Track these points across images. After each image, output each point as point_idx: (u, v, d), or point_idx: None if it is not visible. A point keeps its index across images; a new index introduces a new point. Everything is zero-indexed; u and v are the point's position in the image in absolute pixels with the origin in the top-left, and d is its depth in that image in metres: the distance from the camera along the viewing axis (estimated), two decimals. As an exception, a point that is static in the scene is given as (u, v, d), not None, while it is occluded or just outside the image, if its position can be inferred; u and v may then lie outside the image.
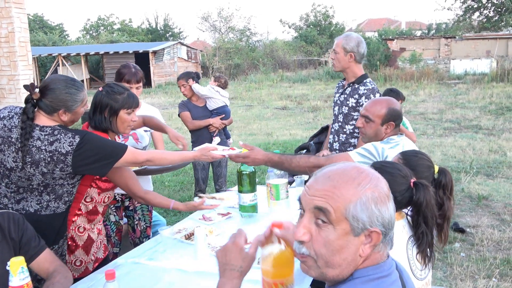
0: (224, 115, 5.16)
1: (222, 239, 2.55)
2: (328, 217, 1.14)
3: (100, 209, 2.81)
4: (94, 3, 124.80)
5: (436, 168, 2.13)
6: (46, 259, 2.02)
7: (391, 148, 2.51)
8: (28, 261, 2.12)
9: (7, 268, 2.06)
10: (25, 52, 8.23)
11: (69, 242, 2.55)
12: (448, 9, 38.40)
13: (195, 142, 5.11)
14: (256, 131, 11.55)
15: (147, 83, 28.10)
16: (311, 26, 36.90)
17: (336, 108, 3.65)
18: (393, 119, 2.65)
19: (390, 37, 28.42)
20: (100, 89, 2.67)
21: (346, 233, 1.14)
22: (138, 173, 3.08)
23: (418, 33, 35.54)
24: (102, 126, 2.60)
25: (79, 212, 2.67)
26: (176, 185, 6.70)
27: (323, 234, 1.15)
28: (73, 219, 2.67)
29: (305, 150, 5.38)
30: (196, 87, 4.99)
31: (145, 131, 3.42)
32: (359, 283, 1.16)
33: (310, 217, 1.18)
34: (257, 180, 3.08)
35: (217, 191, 5.29)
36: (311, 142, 5.25)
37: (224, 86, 5.31)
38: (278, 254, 1.37)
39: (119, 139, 3.19)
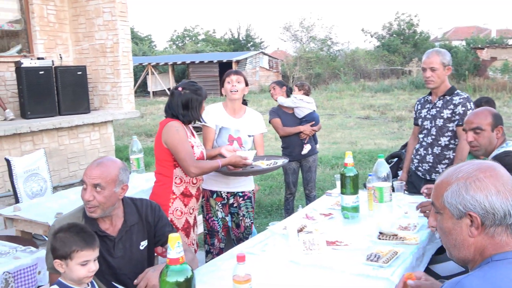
0: (313, 122, 5.28)
1: (324, 238, 2.68)
2: (436, 208, 1.45)
3: (192, 191, 3.16)
4: (180, 15, 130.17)
5: None
6: None
7: None
8: (164, 243, 2.42)
9: (141, 247, 2.37)
10: (127, 61, 8.88)
11: None
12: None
13: (286, 148, 5.30)
14: (340, 140, 11.57)
15: (230, 91, 28.87)
16: (394, 35, 36.11)
17: (427, 122, 3.68)
18: (500, 122, 2.77)
19: (480, 45, 27.13)
20: (180, 89, 3.13)
21: (449, 217, 1.40)
22: (230, 174, 3.34)
23: (511, 41, 33.62)
24: (192, 118, 3.15)
25: (174, 196, 3.07)
26: (266, 189, 6.93)
27: (438, 220, 1.46)
28: (170, 204, 3.03)
29: (396, 159, 5.39)
30: (280, 100, 5.20)
31: (249, 136, 3.64)
32: (506, 263, 1.31)
33: (433, 210, 1.51)
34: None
35: (307, 195, 5.44)
36: (403, 150, 5.26)
37: (308, 93, 5.46)
38: None
39: (230, 144, 3.45)
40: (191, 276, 1.59)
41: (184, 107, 3.10)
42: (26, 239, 3.52)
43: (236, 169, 3.27)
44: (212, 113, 3.56)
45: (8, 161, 4.28)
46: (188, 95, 3.11)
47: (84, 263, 1.94)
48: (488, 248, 1.35)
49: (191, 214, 3.20)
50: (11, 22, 8.52)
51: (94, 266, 1.97)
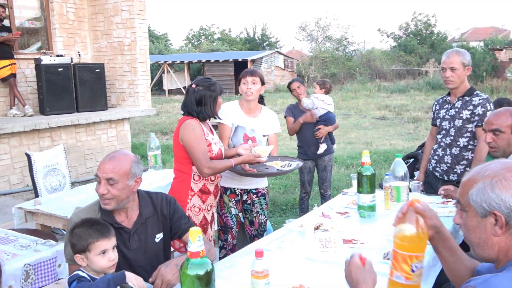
0: (328, 121, 5.25)
1: (340, 236, 2.69)
2: (462, 205, 1.46)
3: (211, 188, 3.19)
4: (196, 14, 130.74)
5: None
6: None
7: None
8: (180, 235, 2.46)
9: (156, 240, 2.41)
10: (144, 59, 8.96)
11: None
12: None
13: (302, 147, 5.29)
14: (355, 140, 11.54)
15: (245, 90, 28.92)
16: (411, 35, 35.88)
17: (446, 123, 3.66)
18: None
19: (498, 47, 26.80)
20: (194, 86, 3.14)
21: (474, 215, 1.40)
22: (244, 174, 3.36)
23: (530, 42, 33.14)
24: (206, 115, 3.12)
25: (192, 193, 3.11)
26: (280, 188, 6.94)
27: (463, 218, 1.46)
28: (188, 200, 3.06)
29: (412, 159, 5.37)
30: (304, 102, 5.12)
31: (264, 135, 3.65)
32: None
33: (459, 207, 1.50)
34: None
35: (322, 195, 5.43)
36: (419, 151, 5.24)
37: (329, 91, 5.41)
38: (412, 234, 1.60)
39: (245, 143, 3.47)
40: (211, 269, 1.61)
41: (198, 104, 3.12)
42: (46, 233, 3.58)
43: (251, 170, 3.29)
44: (229, 111, 3.59)
45: (28, 156, 4.36)
46: (201, 92, 3.12)
47: (103, 253, 1.99)
48: None
49: (208, 210, 3.24)
50: (31, 20, 8.66)
51: (114, 255, 2.03)
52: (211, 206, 3.26)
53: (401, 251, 1.58)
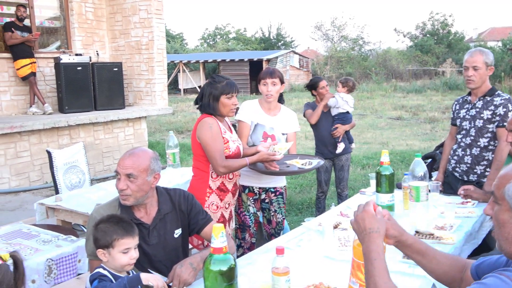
0: (345, 120, 5.23)
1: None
2: (495, 198, 1.43)
3: (229, 186, 3.22)
4: (212, 14, 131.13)
5: None
6: None
7: None
8: (198, 230, 2.49)
9: (175, 235, 2.43)
10: (161, 58, 9.03)
11: None
12: None
13: (319, 146, 5.29)
14: (371, 140, 11.49)
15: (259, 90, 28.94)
16: (427, 35, 35.59)
17: (466, 123, 3.64)
18: None
19: (517, 46, 26.47)
20: (207, 81, 3.19)
21: (507, 210, 1.39)
22: (265, 173, 3.37)
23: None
24: (207, 110, 3.12)
25: (210, 190, 3.14)
26: (296, 187, 6.95)
27: (495, 210, 1.44)
28: (206, 198, 3.09)
29: (430, 160, 5.33)
30: (331, 100, 5.11)
31: (283, 134, 3.67)
32: None
33: (492, 199, 1.47)
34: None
35: (339, 194, 5.42)
36: (437, 151, 5.20)
37: (352, 89, 5.31)
38: None
39: (264, 141, 3.48)
40: (234, 265, 1.63)
41: (200, 98, 3.18)
42: (67, 229, 3.64)
43: (275, 167, 3.28)
44: (248, 109, 3.61)
45: (49, 153, 4.43)
46: (204, 87, 3.18)
47: (126, 251, 2.02)
48: None
49: (226, 208, 3.26)
50: (51, 19, 8.79)
51: (135, 254, 2.05)
52: (229, 204, 3.29)
53: (356, 259, 1.62)
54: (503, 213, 1.40)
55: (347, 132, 5.33)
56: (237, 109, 3.47)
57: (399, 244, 1.72)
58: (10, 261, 1.59)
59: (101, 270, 2.05)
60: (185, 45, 48.02)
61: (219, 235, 1.61)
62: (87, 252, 2.31)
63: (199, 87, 30.27)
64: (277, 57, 30.39)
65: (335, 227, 2.72)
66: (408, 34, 37.54)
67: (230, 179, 3.24)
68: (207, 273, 1.61)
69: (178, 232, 2.46)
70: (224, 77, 3.21)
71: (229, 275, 1.61)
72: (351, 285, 1.65)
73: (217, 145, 3.05)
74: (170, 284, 2.15)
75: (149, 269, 2.30)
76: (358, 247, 1.61)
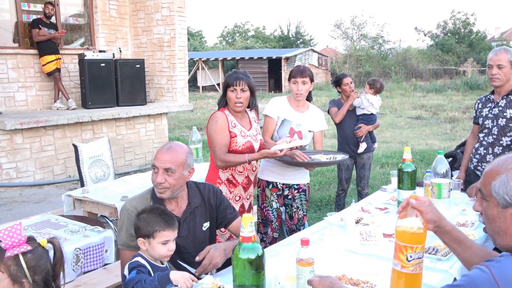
0: (369, 121, 5.23)
1: (380, 230, 2.73)
2: (483, 195, 1.52)
3: (239, 179, 3.30)
4: (231, 12, 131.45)
5: None
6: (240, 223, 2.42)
7: None
8: (226, 224, 2.56)
9: (204, 228, 2.50)
10: (183, 55, 9.13)
11: None
12: None
13: (341, 144, 5.31)
14: (390, 139, 11.44)
15: (278, 88, 28.98)
16: (448, 34, 35.16)
17: (488, 121, 3.63)
18: None
19: (541, 46, 25.98)
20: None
21: (495, 205, 1.47)
22: (290, 163, 3.40)
23: None
24: (220, 103, 3.31)
25: (219, 181, 3.25)
26: (315, 184, 6.98)
27: (484, 207, 1.53)
28: None
29: (451, 159, 5.32)
30: (356, 100, 5.11)
31: (309, 131, 3.71)
32: None
33: (479, 196, 1.57)
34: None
35: (359, 192, 5.44)
36: (458, 150, 5.18)
37: (379, 90, 5.27)
38: (407, 227, 1.70)
39: (290, 137, 3.51)
40: (262, 254, 1.69)
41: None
42: (93, 220, 3.75)
43: (304, 158, 3.28)
44: (276, 105, 3.68)
45: (75, 147, 4.55)
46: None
47: (165, 242, 2.09)
48: None
49: (236, 201, 3.33)
50: (75, 16, 8.95)
51: (173, 246, 2.12)
52: (239, 197, 3.35)
53: (398, 241, 1.70)
54: (491, 208, 1.48)
55: (370, 132, 5.33)
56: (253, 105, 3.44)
57: (438, 230, 1.79)
58: (49, 248, 1.65)
59: (140, 259, 2.10)
60: (204, 42, 48.23)
61: (248, 225, 1.66)
62: (119, 242, 2.37)
63: (218, 84, 30.40)
64: (295, 55, 30.34)
65: (357, 222, 2.76)
66: (429, 33, 37.14)
67: (240, 172, 3.31)
68: (236, 261, 1.67)
69: (206, 225, 2.53)
70: (238, 71, 3.29)
71: (257, 264, 1.67)
72: (393, 267, 1.73)
73: (219, 139, 3.15)
74: (196, 273, 2.21)
75: (178, 260, 2.37)
76: (398, 232, 1.71)
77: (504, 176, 1.43)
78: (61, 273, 1.67)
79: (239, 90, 3.19)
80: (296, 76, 3.58)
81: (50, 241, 1.65)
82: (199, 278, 2.14)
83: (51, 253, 1.66)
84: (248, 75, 3.31)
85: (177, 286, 1.93)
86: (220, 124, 3.17)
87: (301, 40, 44.96)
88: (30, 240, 1.58)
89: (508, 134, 3.53)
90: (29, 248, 1.54)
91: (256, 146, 3.34)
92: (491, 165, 1.50)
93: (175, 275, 1.95)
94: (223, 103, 3.29)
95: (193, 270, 2.26)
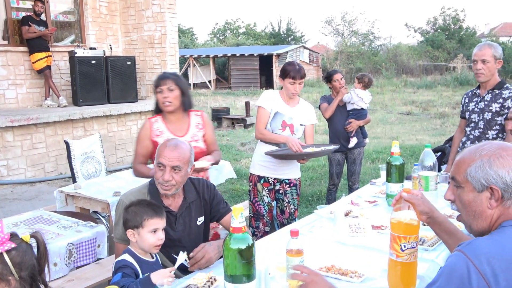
0: (359, 116, 5.28)
1: (369, 222, 2.78)
2: (457, 182, 1.56)
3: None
4: (222, 9, 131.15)
5: None
6: None
7: None
8: (219, 219, 2.60)
9: (198, 223, 2.54)
10: (174, 52, 9.14)
11: None
12: None
13: (332, 139, 5.34)
14: (380, 135, 11.53)
15: (270, 84, 29.00)
16: (439, 30, 35.32)
17: (475, 115, 3.70)
18: None
19: (529, 42, 26.23)
20: None
21: (471, 190, 1.52)
22: (280, 157, 3.45)
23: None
24: (156, 110, 3.27)
25: None
26: (307, 180, 7.04)
27: (457, 194, 1.58)
28: None
29: (439, 153, 5.39)
30: (345, 95, 5.15)
31: (301, 125, 3.75)
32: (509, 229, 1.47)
33: (453, 184, 1.61)
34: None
35: (350, 187, 5.49)
36: (447, 145, 5.25)
37: (368, 85, 5.31)
38: (400, 218, 1.80)
39: (282, 131, 3.57)
40: (252, 244, 1.73)
41: None
42: (85, 215, 3.77)
43: (298, 150, 3.38)
44: (269, 97, 3.74)
45: (67, 144, 4.56)
46: None
47: (154, 231, 2.13)
48: (501, 218, 1.49)
49: None
50: (66, 14, 8.92)
51: (162, 235, 2.17)
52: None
53: (393, 232, 1.80)
54: (467, 194, 1.53)
55: (361, 127, 5.37)
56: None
57: (431, 221, 1.89)
58: (33, 243, 1.62)
59: (126, 257, 2.13)
60: (195, 39, 48.12)
61: (239, 216, 1.70)
62: (115, 236, 2.41)
63: (209, 81, 30.38)
64: (287, 52, 30.37)
65: (346, 214, 2.81)
66: (419, 29, 37.30)
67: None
68: (227, 251, 1.71)
69: (201, 220, 2.57)
70: (166, 72, 3.33)
71: (248, 254, 1.71)
72: (389, 256, 1.83)
73: (137, 148, 3.20)
74: (187, 265, 2.25)
75: (173, 254, 2.40)
76: (392, 223, 1.80)
77: (480, 161, 1.49)
78: (46, 267, 1.67)
79: (166, 89, 3.08)
80: (295, 77, 3.61)
81: (33, 235, 1.64)
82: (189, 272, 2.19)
83: (35, 248, 1.64)
84: (177, 74, 3.24)
85: (162, 286, 1.95)
86: (142, 134, 3.18)
87: (292, 36, 45.00)
88: (13, 236, 1.57)
89: (494, 128, 3.60)
90: (13, 245, 1.53)
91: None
92: (463, 154, 1.57)
93: (156, 277, 1.96)
94: (157, 108, 3.22)
95: (187, 265, 2.28)
